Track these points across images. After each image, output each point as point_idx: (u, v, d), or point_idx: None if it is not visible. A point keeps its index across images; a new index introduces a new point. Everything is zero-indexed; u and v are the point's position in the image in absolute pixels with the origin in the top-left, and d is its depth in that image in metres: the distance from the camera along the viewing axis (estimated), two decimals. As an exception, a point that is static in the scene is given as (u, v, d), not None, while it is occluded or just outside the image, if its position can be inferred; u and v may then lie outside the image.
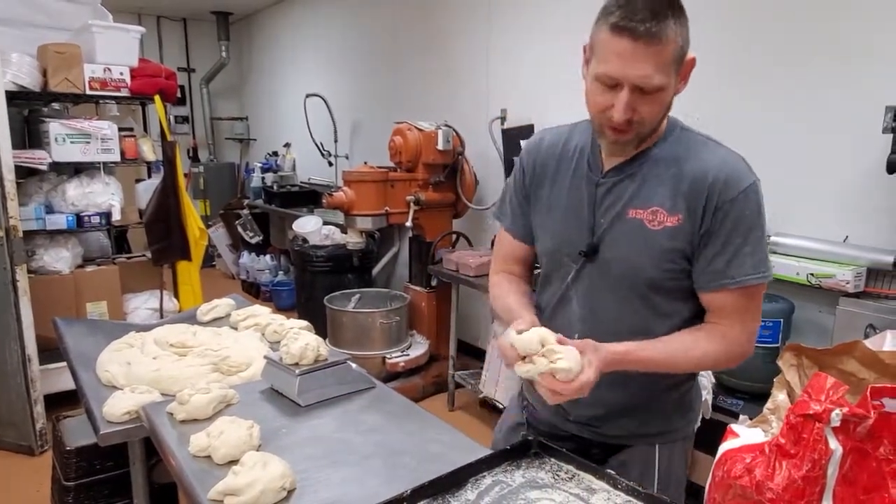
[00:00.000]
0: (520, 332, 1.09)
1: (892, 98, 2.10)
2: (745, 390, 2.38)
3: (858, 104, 2.27)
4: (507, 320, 1.22)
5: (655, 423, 1.26)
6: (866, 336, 2.07)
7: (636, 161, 1.17)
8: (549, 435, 1.31)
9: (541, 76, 3.45)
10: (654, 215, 1.13)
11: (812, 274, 2.29)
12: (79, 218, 3.40)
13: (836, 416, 0.81)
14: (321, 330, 3.48)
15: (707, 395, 2.25)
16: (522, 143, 1.38)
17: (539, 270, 1.38)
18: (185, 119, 7.51)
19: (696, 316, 1.20)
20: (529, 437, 1.22)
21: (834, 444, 0.82)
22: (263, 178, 6.20)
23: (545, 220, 1.28)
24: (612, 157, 1.19)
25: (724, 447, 1.02)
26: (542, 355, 1.06)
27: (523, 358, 1.09)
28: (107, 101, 3.67)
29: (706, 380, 2.28)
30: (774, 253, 2.46)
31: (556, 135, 1.31)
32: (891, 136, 2.08)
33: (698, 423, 1.36)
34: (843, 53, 2.32)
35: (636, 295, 1.18)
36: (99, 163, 3.43)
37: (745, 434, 1.01)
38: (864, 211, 2.30)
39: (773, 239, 2.49)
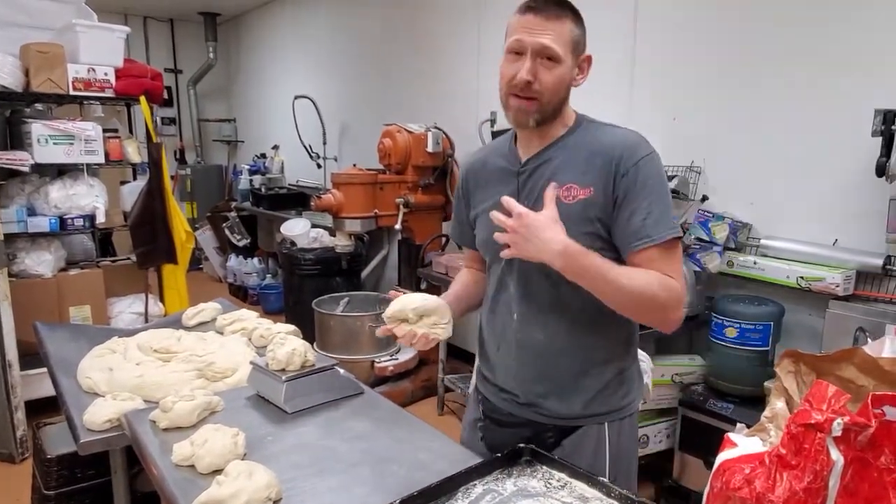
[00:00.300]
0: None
1: (880, 101, 2.10)
2: (736, 393, 2.38)
3: (847, 108, 2.27)
4: None
5: (601, 402, 1.34)
6: (856, 339, 2.08)
7: (550, 148, 1.31)
8: (504, 423, 1.41)
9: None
10: (568, 191, 1.26)
11: (802, 277, 2.29)
12: (62, 220, 3.34)
13: (837, 425, 0.79)
14: (309, 333, 3.45)
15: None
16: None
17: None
18: (171, 120, 7.44)
19: None
20: (521, 445, 1.20)
21: (835, 455, 0.80)
22: (251, 181, 6.15)
23: (479, 218, 1.42)
24: (528, 149, 1.33)
25: (721, 457, 1.00)
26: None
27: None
28: (91, 101, 3.62)
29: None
30: (765, 256, 2.46)
31: (482, 152, 1.51)
32: (879, 139, 2.08)
33: (640, 405, 1.44)
34: (832, 57, 2.32)
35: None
36: (83, 164, 3.37)
37: (743, 443, 0.99)
38: (853, 214, 2.31)
39: (762, 242, 2.50)
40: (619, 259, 1.25)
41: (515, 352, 1.35)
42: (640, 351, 1.48)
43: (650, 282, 1.18)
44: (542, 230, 1.15)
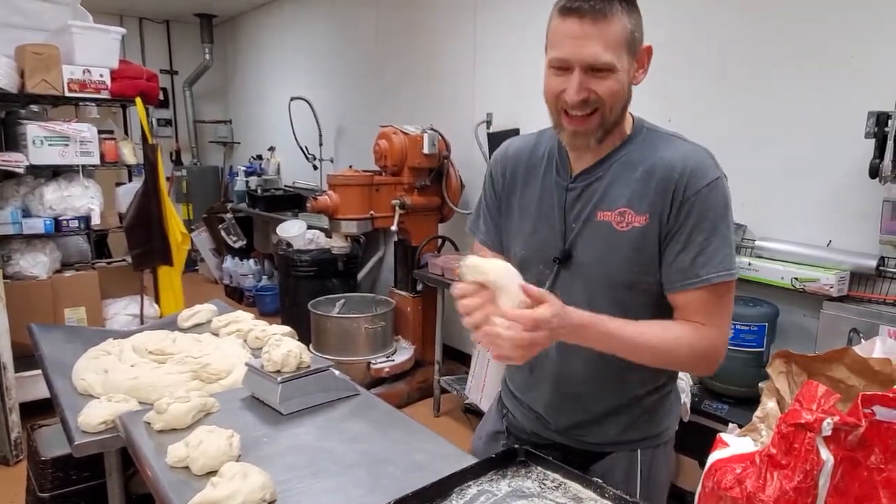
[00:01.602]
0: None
1: (874, 104, 2.11)
2: (730, 394, 2.39)
3: (841, 109, 2.29)
4: None
5: (636, 429, 1.25)
6: (850, 340, 2.09)
7: (604, 163, 1.16)
8: (530, 443, 1.29)
9: (527, 80, 3.44)
10: (621, 216, 1.12)
11: (796, 278, 2.30)
12: (57, 222, 3.33)
13: (827, 425, 0.79)
14: (305, 335, 3.46)
15: (686, 399, 2.24)
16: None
17: None
18: (167, 122, 7.42)
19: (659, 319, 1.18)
20: (515, 446, 1.20)
21: (825, 455, 0.81)
22: (247, 182, 6.14)
23: (517, 227, 1.26)
24: (580, 161, 1.18)
25: (713, 457, 1.01)
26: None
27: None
28: (86, 103, 3.61)
29: (685, 383, 2.28)
30: (759, 258, 2.47)
31: (524, 141, 1.31)
32: (872, 141, 2.09)
33: (677, 427, 1.35)
34: (826, 59, 2.33)
35: (612, 299, 1.15)
36: (78, 166, 3.37)
37: (734, 443, 0.99)
38: (847, 215, 2.32)
39: (757, 243, 2.51)
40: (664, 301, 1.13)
41: (549, 379, 1.26)
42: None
43: (679, 336, 1.07)
44: (543, 312, 0.98)
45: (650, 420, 1.26)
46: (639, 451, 1.26)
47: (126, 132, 3.86)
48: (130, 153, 3.59)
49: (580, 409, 1.24)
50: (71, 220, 3.36)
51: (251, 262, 6.04)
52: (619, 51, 1.05)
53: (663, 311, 1.17)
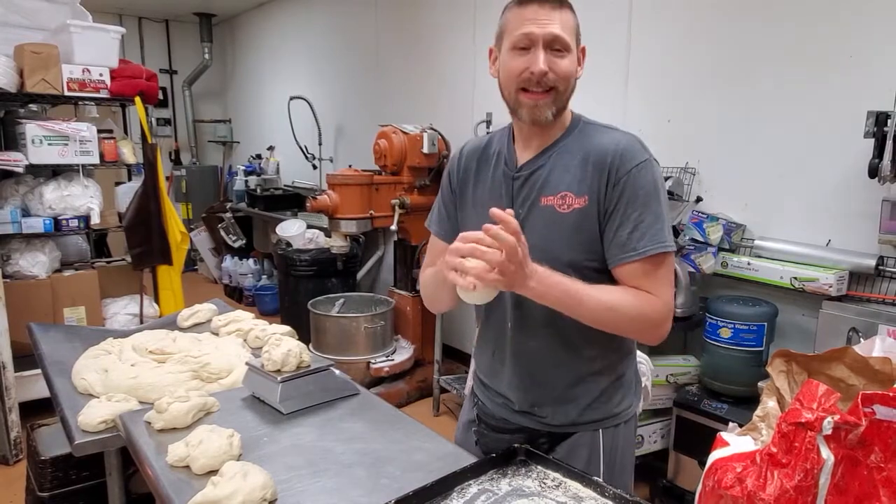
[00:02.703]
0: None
1: (873, 103, 2.12)
2: (730, 394, 2.39)
3: (840, 109, 2.29)
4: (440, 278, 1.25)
5: (595, 409, 1.31)
6: (849, 339, 2.09)
7: (546, 153, 1.26)
8: (498, 428, 1.39)
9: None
10: (563, 199, 1.21)
11: (795, 278, 2.31)
12: (56, 221, 3.33)
13: (828, 424, 0.79)
14: (305, 335, 3.45)
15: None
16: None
17: None
18: (167, 121, 7.42)
19: None
20: (515, 445, 1.21)
21: (826, 453, 0.81)
22: (247, 182, 6.14)
23: (471, 218, 1.34)
24: (525, 153, 1.28)
25: (713, 456, 1.01)
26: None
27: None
28: (86, 102, 3.61)
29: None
30: (759, 257, 2.47)
31: (478, 140, 1.42)
32: (872, 140, 2.09)
33: (640, 409, 1.43)
34: (825, 59, 2.34)
35: None
36: (77, 165, 3.37)
37: (735, 442, 0.99)
38: (846, 215, 2.32)
39: (756, 243, 2.51)
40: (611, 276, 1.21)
41: (510, 360, 1.33)
42: (640, 353, 1.47)
43: (622, 298, 1.15)
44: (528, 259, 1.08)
45: (608, 401, 1.32)
46: (601, 430, 1.32)
47: (125, 131, 3.86)
48: (130, 152, 3.59)
49: (539, 387, 1.31)
50: (70, 219, 3.36)
51: (250, 261, 6.03)
52: (571, 37, 1.19)
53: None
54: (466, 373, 3.48)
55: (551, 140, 1.27)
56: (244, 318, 2.06)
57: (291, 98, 5.46)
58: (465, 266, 1.06)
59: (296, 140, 5.53)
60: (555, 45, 1.16)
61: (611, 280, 1.22)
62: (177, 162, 7.45)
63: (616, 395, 1.33)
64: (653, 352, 2.61)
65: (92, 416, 1.44)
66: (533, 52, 1.17)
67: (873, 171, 2.09)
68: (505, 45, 1.22)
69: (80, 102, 3.63)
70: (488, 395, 1.42)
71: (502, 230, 1.03)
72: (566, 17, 1.18)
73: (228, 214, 6.10)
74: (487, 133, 1.42)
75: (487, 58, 1.31)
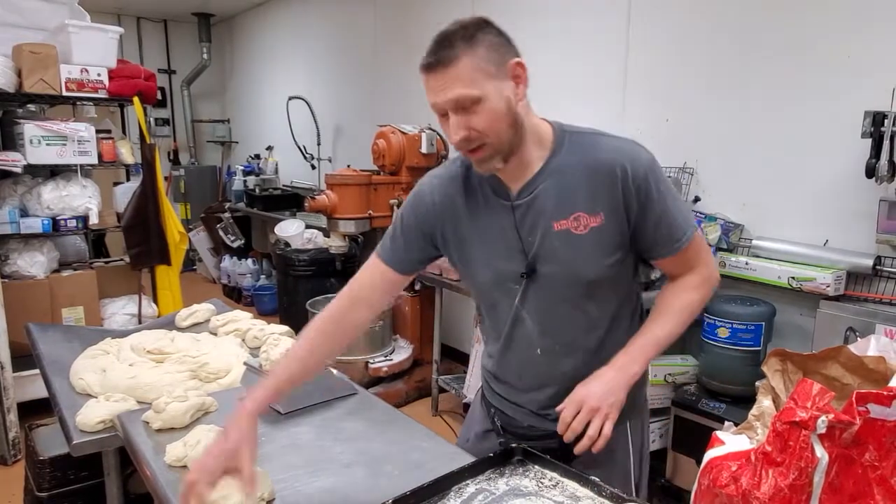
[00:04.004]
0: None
1: (870, 103, 2.12)
2: (727, 393, 2.39)
3: (837, 109, 2.29)
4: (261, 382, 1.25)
5: (626, 406, 1.29)
6: (846, 339, 2.09)
7: (540, 175, 1.21)
8: (527, 436, 1.34)
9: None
10: (577, 221, 1.19)
11: (793, 277, 2.31)
12: (55, 222, 3.32)
13: (822, 422, 0.80)
14: (303, 335, 3.45)
15: None
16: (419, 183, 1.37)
17: (478, 300, 1.41)
18: (165, 121, 7.41)
19: (630, 290, 1.30)
20: (513, 445, 1.21)
21: (820, 452, 0.81)
22: (245, 182, 6.14)
23: (472, 254, 1.29)
24: (516, 181, 1.22)
25: (709, 454, 1.01)
26: None
27: None
28: (84, 102, 3.60)
29: None
30: (756, 257, 2.48)
31: (448, 174, 1.32)
32: (869, 140, 2.10)
33: None
34: (822, 59, 2.34)
35: (581, 296, 1.24)
36: (76, 165, 3.36)
37: (730, 441, 1.00)
38: (843, 215, 2.33)
39: (754, 242, 2.52)
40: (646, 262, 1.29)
41: (541, 383, 1.31)
42: None
43: (688, 301, 1.25)
44: (604, 387, 1.17)
45: (634, 394, 1.31)
46: (628, 422, 1.33)
47: (124, 132, 3.85)
48: (128, 153, 3.58)
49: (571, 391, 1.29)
50: (69, 219, 3.36)
51: (249, 261, 6.03)
52: (477, 82, 1.09)
53: (630, 282, 1.29)
54: (465, 372, 3.48)
55: (541, 160, 1.21)
56: (242, 318, 2.06)
57: (290, 98, 5.46)
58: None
59: (294, 140, 5.53)
60: (462, 105, 1.09)
61: (619, 282, 1.26)
62: (175, 162, 7.44)
63: (638, 388, 1.33)
64: (651, 351, 2.61)
65: (90, 416, 1.44)
66: (447, 118, 1.13)
67: (870, 171, 2.09)
68: None
69: (78, 102, 3.62)
70: (513, 408, 1.38)
71: None
72: (461, 69, 1.08)
73: (227, 214, 6.10)
74: (448, 164, 1.34)
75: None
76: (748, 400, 2.26)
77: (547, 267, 1.22)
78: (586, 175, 1.18)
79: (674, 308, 1.26)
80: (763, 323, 2.35)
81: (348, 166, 4.13)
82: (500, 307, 1.31)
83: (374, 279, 1.35)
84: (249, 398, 1.19)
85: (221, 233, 6.07)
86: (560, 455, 1.19)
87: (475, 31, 1.10)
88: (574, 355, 1.27)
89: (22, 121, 3.26)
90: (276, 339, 1.61)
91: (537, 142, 1.20)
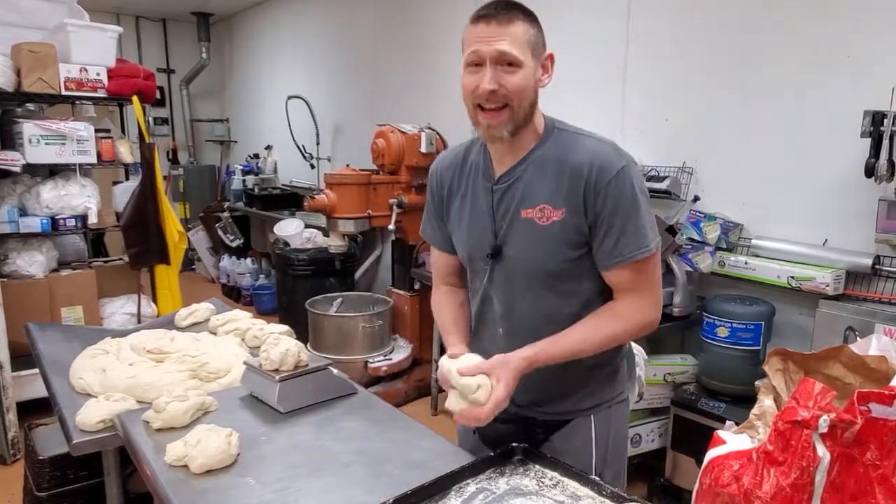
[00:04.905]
0: (452, 357, 1.26)
1: (870, 103, 2.12)
2: (727, 392, 2.40)
3: (837, 108, 2.29)
4: (444, 339, 1.39)
5: (591, 398, 1.36)
6: (845, 338, 2.10)
7: (522, 164, 1.28)
8: (497, 419, 1.34)
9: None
10: (542, 212, 1.24)
11: (792, 277, 2.31)
12: (54, 221, 3.32)
13: (823, 422, 0.80)
14: (303, 334, 3.45)
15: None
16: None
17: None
18: (164, 121, 7.40)
19: (599, 293, 1.30)
20: (513, 445, 1.21)
21: (822, 451, 0.81)
22: (244, 181, 6.13)
23: (458, 231, 1.39)
24: (501, 164, 1.30)
25: (711, 454, 1.01)
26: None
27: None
28: (83, 101, 3.60)
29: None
30: (756, 256, 2.48)
31: (454, 154, 1.44)
32: (868, 140, 2.10)
33: (636, 398, 1.49)
34: (822, 58, 2.34)
35: (543, 286, 1.29)
36: (75, 165, 3.36)
37: (731, 440, 1.00)
38: (843, 214, 2.33)
39: (754, 242, 2.52)
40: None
41: None
42: (634, 345, 1.51)
43: (609, 332, 1.24)
44: (498, 394, 1.17)
45: (602, 389, 1.37)
46: (592, 416, 1.36)
47: (123, 131, 3.84)
48: (127, 152, 3.58)
49: (533, 388, 1.32)
50: (68, 218, 3.35)
51: (248, 261, 6.02)
52: (525, 51, 1.18)
53: (595, 283, 1.29)
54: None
55: (526, 150, 1.28)
56: (242, 318, 2.06)
57: (289, 97, 5.46)
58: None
59: (293, 139, 5.52)
60: (504, 62, 1.17)
61: (587, 278, 1.28)
62: (174, 161, 7.43)
63: (609, 384, 1.38)
64: (650, 351, 2.62)
65: (90, 416, 1.44)
66: (482, 69, 1.18)
67: (870, 171, 2.09)
68: (463, 62, 1.24)
69: (77, 102, 3.62)
70: None
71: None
72: (518, 30, 1.18)
73: (226, 214, 6.09)
74: (463, 144, 1.45)
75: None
76: (748, 399, 2.27)
77: (511, 251, 1.29)
78: (559, 170, 1.24)
79: (598, 332, 1.25)
80: (762, 322, 2.35)
81: (347, 166, 4.13)
82: (475, 285, 1.41)
83: (441, 262, 1.50)
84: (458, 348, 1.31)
85: (220, 232, 6.06)
86: (517, 440, 1.25)
87: (532, 13, 1.22)
88: (530, 341, 1.28)
89: (21, 120, 3.25)
90: (276, 338, 1.61)
91: (532, 131, 1.27)
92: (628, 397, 1.44)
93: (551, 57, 1.25)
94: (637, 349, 1.58)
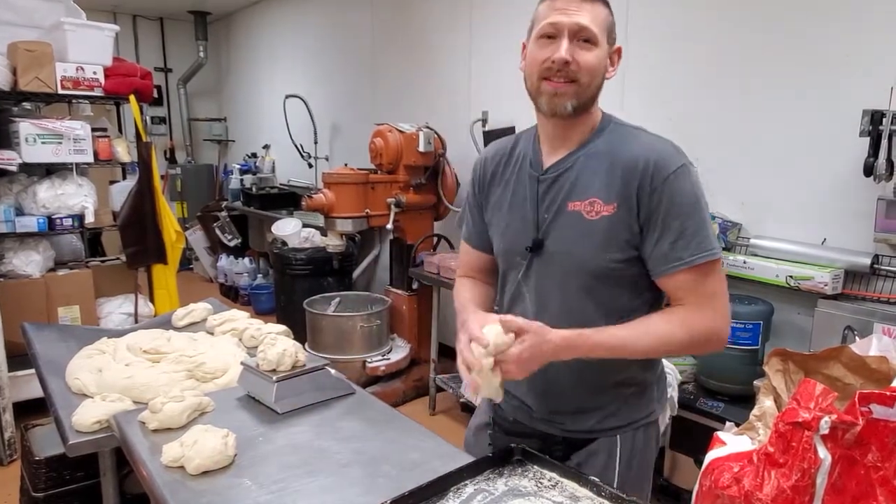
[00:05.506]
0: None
1: (868, 102, 2.12)
2: (725, 392, 2.39)
3: (836, 108, 2.29)
4: (460, 316, 1.29)
5: (617, 417, 1.28)
6: (844, 338, 2.09)
7: (573, 155, 1.22)
8: (513, 432, 1.34)
9: (522, 79, 3.43)
10: (591, 206, 1.17)
11: (791, 276, 2.31)
12: (50, 220, 3.31)
13: (825, 423, 0.79)
14: (301, 334, 3.44)
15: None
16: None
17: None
18: (161, 120, 7.39)
19: (634, 312, 1.21)
20: (515, 445, 1.20)
21: (823, 453, 0.81)
22: (242, 180, 6.11)
23: (496, 220, 1.33)
24: (552, 155, 1.24)
25: (710, 455, 1.01)
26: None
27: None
28: (80, 100, 3.59)
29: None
30: (755, 255, 2.47)
31: (503, 143, 1.38)
32: (867, 139, 2.10)
33: (667, 420, 1.40)
34: (821, 58, 2.34)
35: (580, 288, 1.20)
36: (71, 164, 3.35)
37: (731, 442, 0.99)
38: (841, 213, 2.32)
39: (752, 241, 2.51)
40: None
41: None
42: (665, 363, 1.41)
43: (665, 333, 1.13)
44: (538, 347, 1.08)
45: (629, 409, 1.29)
46: (618, 436, 1.28)
47: (120, 130, 3.84)
48: (124, 151, 3.57)
49: (559, 396, 1.27)
50: (64, 218, 3.34)
51: (246, 260, 6.01)
52: (602, 32, 1.15)
53: (636, 300, 1.21)
54: (462, 372, 3.47)
55: (579, 141, 1.22)
56: (239, 318, 2.05)
57: (287, 96, 5.44)
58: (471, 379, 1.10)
59: (291, 139, 5.51)
60: (581, 36, 1.13)
61: (636, 292, 1.20)
62: (172, 160, 7.41)
63: (639, 403, 1.29)
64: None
65: (86, 417, 1.43)
66: (557, 42, 1.14)
67: (868, 170, 2.09)
68: (533, 36, 1.20)
69: (73, 101, 3.61)
70: (506, 398, 1.35)
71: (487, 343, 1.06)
72: (598, 10, 1.15)
73: (224, 213, 6.08)
74: (515, 134, 1.40)
75: (520, 53, 1.27)
76: (746, 399, 2.27)
77: (553, 246, 1.21)
78: (612, 163, 1.17)
79: (651, 331, 1.14)
80: (761, 322, 2.35)
81: (345, 165, 4.12)
82: (508, 280, 1.32)
83: (468, 258, 1.45)
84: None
85: (218, 232, 6.05)
86: (524, 451, 1.18)
87: (609, 5, 1.20)
88: None
89: (17, 119, 3.24)
90: (273, 338, 1.60)
91: (590, 120, 1.23)
92: (658, 419, 1.34)
93: (619, 51, 1.22)
94: (669, 367, 1.50)
